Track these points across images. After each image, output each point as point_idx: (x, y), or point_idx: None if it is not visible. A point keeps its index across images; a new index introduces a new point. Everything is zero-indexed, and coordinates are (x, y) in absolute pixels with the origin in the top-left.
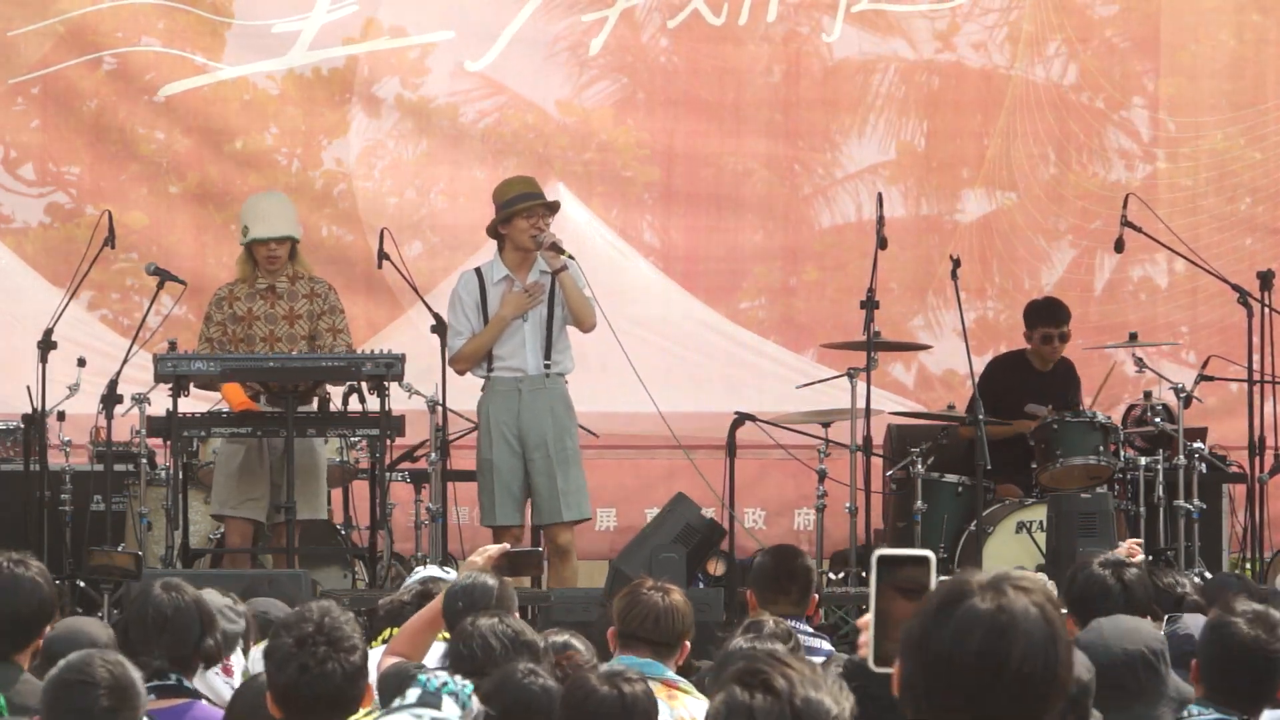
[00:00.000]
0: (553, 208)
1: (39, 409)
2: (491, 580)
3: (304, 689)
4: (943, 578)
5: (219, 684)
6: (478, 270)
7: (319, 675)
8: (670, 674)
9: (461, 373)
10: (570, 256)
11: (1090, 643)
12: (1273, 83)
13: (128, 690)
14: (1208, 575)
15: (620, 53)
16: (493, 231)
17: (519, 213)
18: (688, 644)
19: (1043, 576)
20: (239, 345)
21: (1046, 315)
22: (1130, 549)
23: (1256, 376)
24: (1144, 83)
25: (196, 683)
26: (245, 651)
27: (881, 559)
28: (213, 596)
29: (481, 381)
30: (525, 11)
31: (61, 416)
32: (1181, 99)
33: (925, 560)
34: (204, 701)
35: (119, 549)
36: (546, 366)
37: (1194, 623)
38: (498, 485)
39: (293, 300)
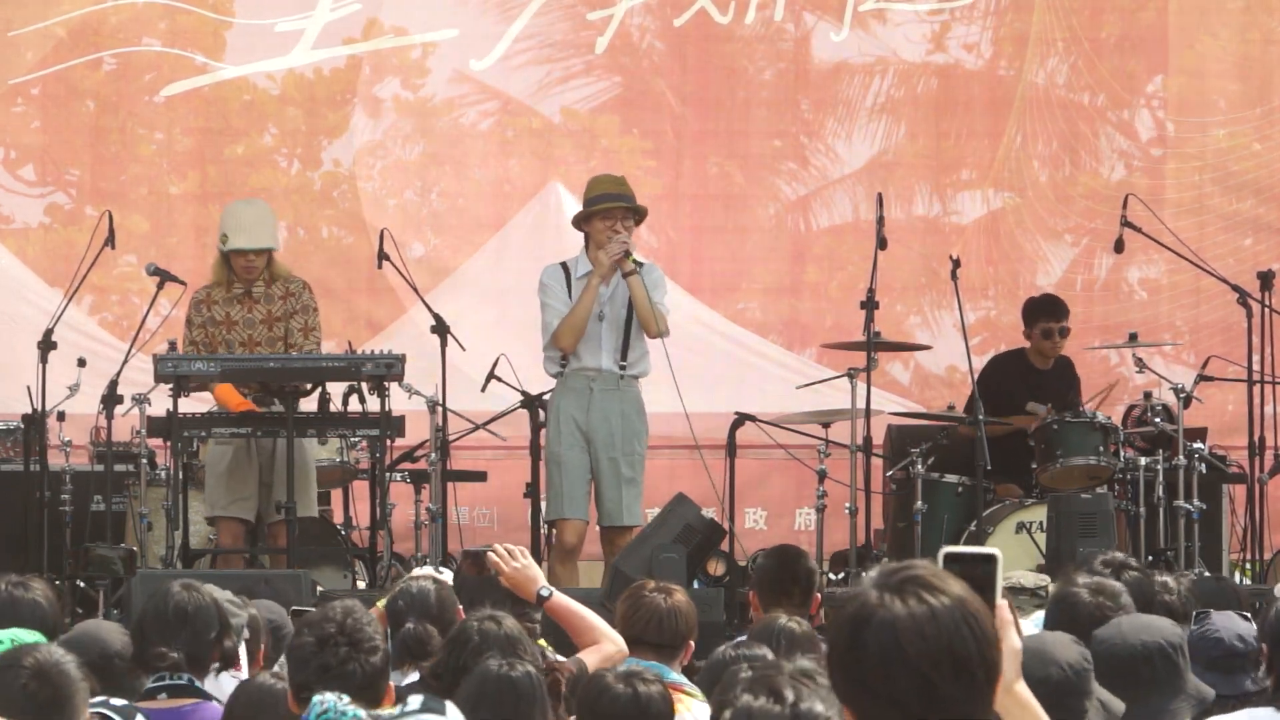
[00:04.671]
0: (638, 212)
1: (39, 409)
2: (430, 584)
3: (323, 688)
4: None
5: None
6: (563, 264)
7: (339, 675)
8: (676, 676)
9: (567, 348)
10: (638, 264)
11: (1108, 636)
12: (1278, 82)
13: (51, 671)
14: (1207, 575)
15: (625, 51)
16: (577, 226)
17: (597, 213)
18: (692, 645)
19: (986, 555)
20: (220, 348)
21: (1045, 310)
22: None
23: (1256, 376)
24: (1147, 83)
25: (209, 685)
26: (250, 652)
27: (948, 556)
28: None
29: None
30: (529, 10)
31: (61, 417)
32: (1186, 99)
33: (992, 559)
34: (214, 703)
35: (113, 546)
36: (621, 367)
37: (1223, 621)
38: (565, 479)
39: (269, 303)
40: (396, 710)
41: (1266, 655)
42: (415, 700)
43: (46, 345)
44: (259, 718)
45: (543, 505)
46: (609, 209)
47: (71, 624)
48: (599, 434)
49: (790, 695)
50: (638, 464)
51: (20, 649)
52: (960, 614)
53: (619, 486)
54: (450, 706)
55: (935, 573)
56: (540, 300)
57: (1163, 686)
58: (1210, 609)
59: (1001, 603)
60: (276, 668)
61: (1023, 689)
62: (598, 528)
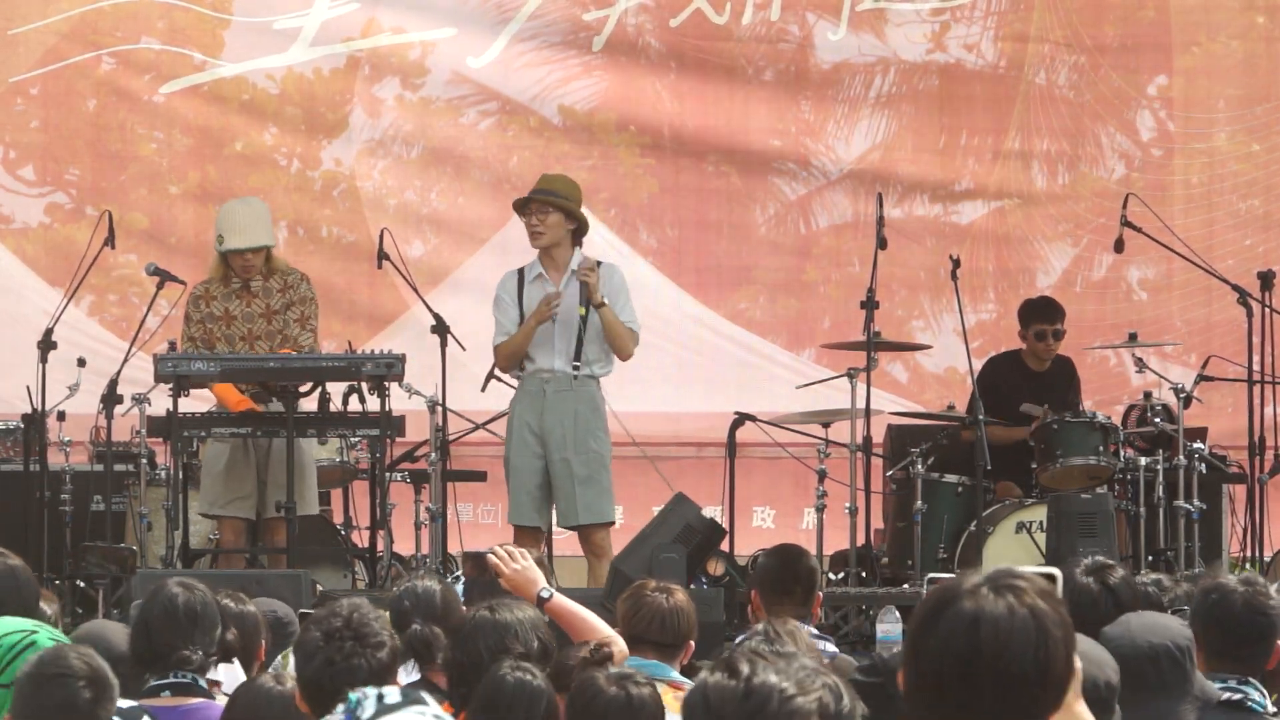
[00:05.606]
0: (570, 214)
1: (39, 409)
2: (434, 584)
3: (329, 683)
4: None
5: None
6: (520, 270)
7: (345, 669)
8: (676, 675)
9: (504, 370)
10: (600, 304)
11: (1115, 635)
12: (1279, 81)
13: (103, 680)
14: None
15: (622, 50)
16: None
17: (520, 211)
18: (692, 644)
19: (1048, 575)
20: (218, 344)
21: (1040, 312)
22: None
23: (1256, 376)
24: (1148, 83)
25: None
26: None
27: None
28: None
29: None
30: (527, 9)
31: (61, 416)
32: (1188, 98)
33: (1051, 578)
34: (217, 701)
35: (114, 544)
36: (575, 368)
37: None
38: (515, 485)
39: (268, 297)
40: (373, 705)
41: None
42: (393, 694)
43: (46, 345)
44: (256, 716)
45: None
46: (522, 203)
47: (72, 624)
48: (553, 435)
49: (745, 669)
50: (594, 461)
51: (60, 653)
52: (1034, 629)
53: (573, 485)
54: (428, 698)
55: (1042, 589)
56: (493, 312)
57: (1170, 688)
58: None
59: None
60: (274, 667)
61: (1082, 709)
62: (565, 529)
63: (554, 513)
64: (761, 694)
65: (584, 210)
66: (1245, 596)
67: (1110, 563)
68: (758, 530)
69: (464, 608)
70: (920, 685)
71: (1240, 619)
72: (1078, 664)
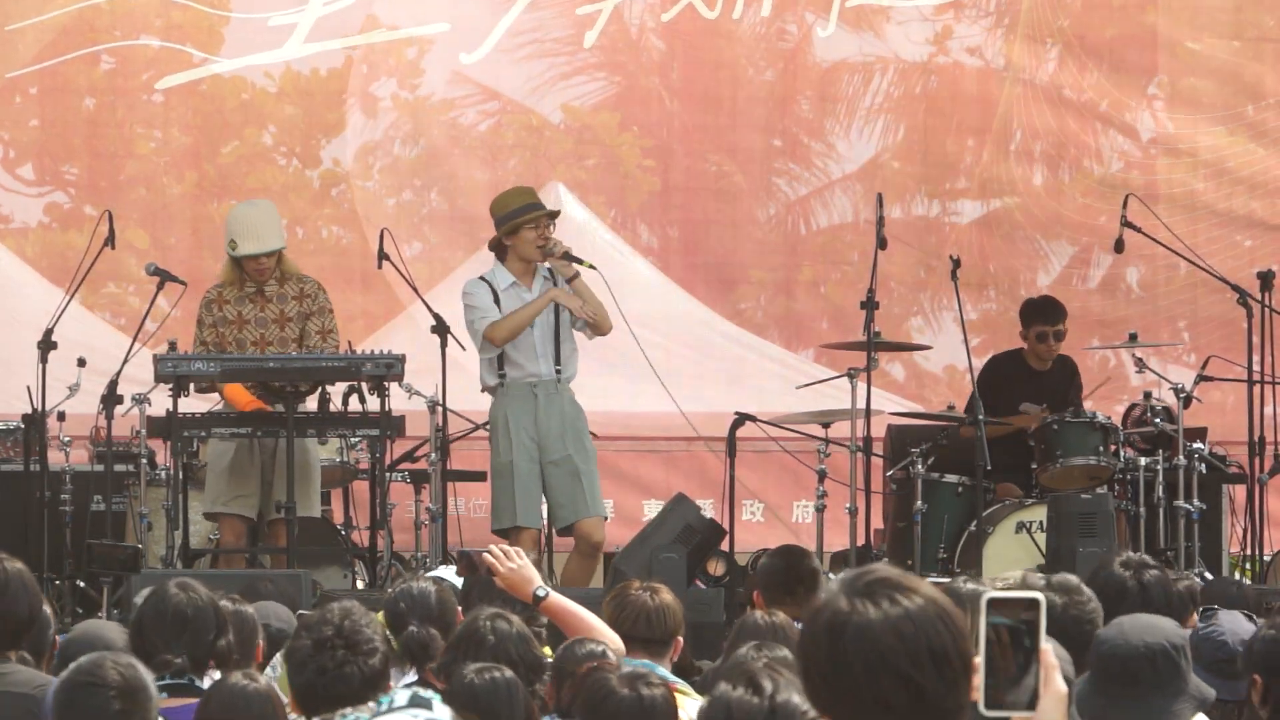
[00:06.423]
0: (553, 216)
1: (39, 409)
2: (431, 585)
3: (322, 691)
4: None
5: None
6: (483, 278)
7: (337, 677)
8: (666, 674)
9: (498, 343)
10: (590, 265)
11: (1109, 636)
12: (1271, 81)
13: (139, 693)
14: (1208, 575)
15: (614, 47)
16: (494, 244)
17: (525, 224)
18: (680, 640)
19: (1029, 600)
20: (230, 348)
21: (1042, 313)
22: None
23: (1256, 376)
24: (1143, 82)
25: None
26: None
27: (991, 601)
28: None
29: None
30: (519, 5)
31: (61, 416)
32: (1181, 98)
33: (1035, 603)
34: None
35: (118, 543)
36: (557, 372)
37: (1229, 623)
38: (518, 487)
39: (282, 303)
40: (384, 704)
41: (1260, 687)
42: (403, 695)
43: (46, 345)
44: (233, 719)
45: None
46: (536, 217)
47: (72, 624)
48: (551, 437)
49: (768, 686)
50: (592, 457)
51: (97, 662)
52: (934, 611)
53: (577, 480)
54: (437, 702)
55: (900, 574)
56: (466, 307)
57: (1165, 687)
58: (1217, 606)
59: (1046, 646)
60: (270, 670)
61: None
62: (557, 529)
63: (547, 513)
64: (785, 712)
65: (582, 208)
66: (1064, 607)
67: (1150, 562)
68: (748, 524)
69: (459, 609)
70: (842, 709)
71: (1065, 630)
72: (1062, 687)
